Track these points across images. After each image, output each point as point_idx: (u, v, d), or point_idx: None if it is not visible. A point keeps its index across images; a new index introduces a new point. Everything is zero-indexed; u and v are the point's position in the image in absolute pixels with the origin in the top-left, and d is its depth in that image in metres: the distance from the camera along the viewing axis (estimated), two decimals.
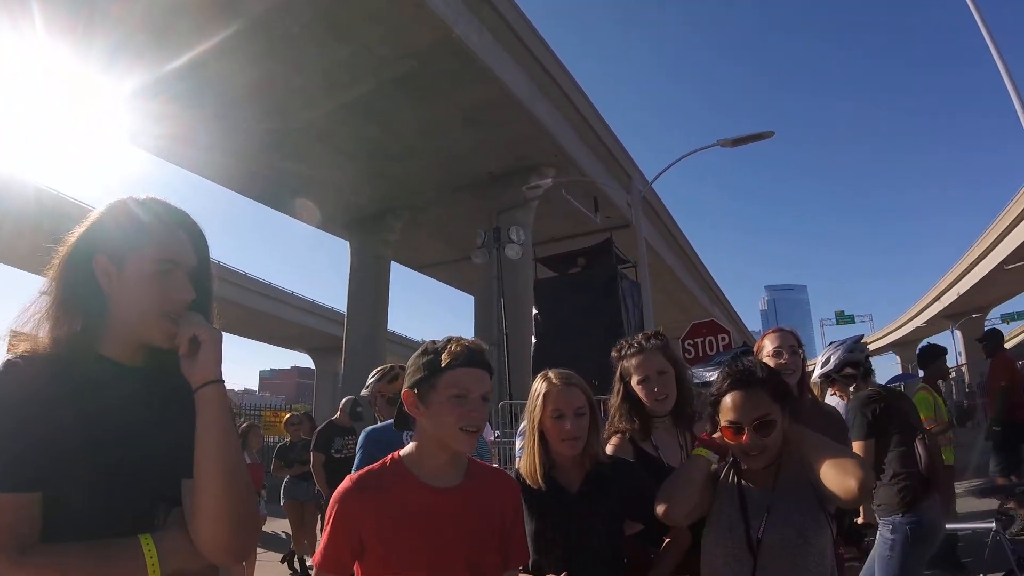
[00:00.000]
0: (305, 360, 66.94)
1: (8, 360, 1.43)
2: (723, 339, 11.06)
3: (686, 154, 17.25)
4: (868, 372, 4.73)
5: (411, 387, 2.01)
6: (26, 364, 1.42)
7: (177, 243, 1.59)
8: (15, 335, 1.54)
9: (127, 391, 1.48)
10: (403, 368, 2.28)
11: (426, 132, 22.29)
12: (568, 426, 2.49)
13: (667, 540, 2.62)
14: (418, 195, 27.16)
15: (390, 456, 2.07)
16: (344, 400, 8.68)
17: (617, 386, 3.11)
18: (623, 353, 3.13)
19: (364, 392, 5.22)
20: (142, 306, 1.52)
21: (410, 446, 2.07)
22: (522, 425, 6.32)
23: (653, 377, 2.98)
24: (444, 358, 1.97)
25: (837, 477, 2.08)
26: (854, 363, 4.65)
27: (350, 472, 2.11)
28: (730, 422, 2.26)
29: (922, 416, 6.63)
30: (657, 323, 16.32)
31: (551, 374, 2.64)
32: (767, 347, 3.59)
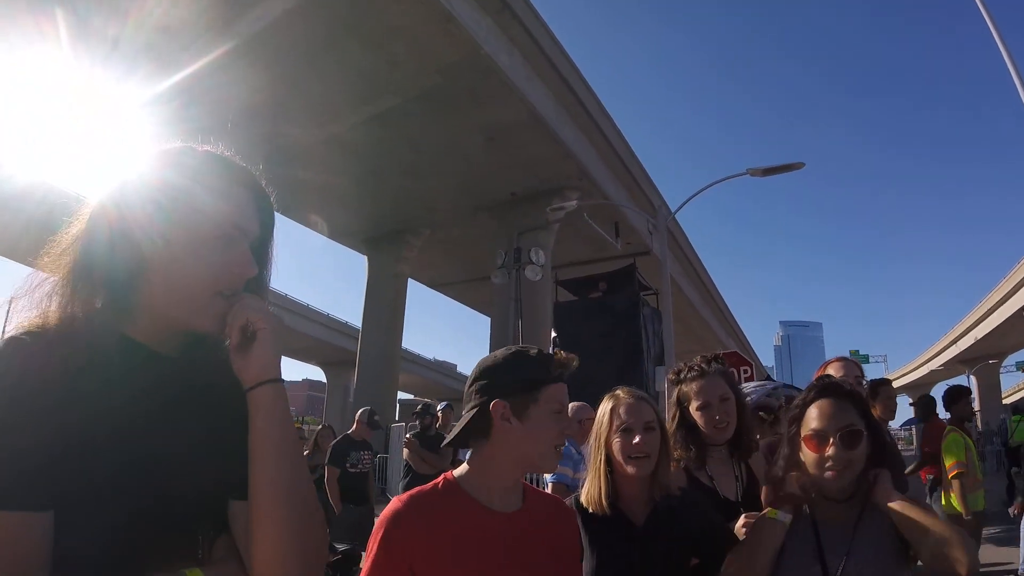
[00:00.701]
0: (317, 373, 67.10)
1: (12, 336, 1.10)
2: (746, 371, 10.87)
3: (715, 182, 17.08)
4: (777, 421, 4.58)
5: (504, 396, 1.76)
6: (33, 342, 1.09)
7: (243, 205, 1.27)
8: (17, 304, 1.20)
9: (165, 386, 1.17)
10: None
11: (449, 150, 22.32)
12: (637, 440, 2.28)
13: None
14: (438, 213, 27.22)
15: (442, 477, 1.84)
16: (360, 411, 8.47)
17: (673, 411, 2.91)
18: (682, 376, 2.94)
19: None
20: (195, 280, 1.19)
21: (464, 467, 1.84)
22: None
23: (715, 403, 2.79)
24: (554, 368, 1.79)
25: (939, 551, 1.89)
26: (767, 408, 4.56)
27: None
28: (814, 431, 2.07)
29: (950, 461, 6.50)
30: (676, 353, 16.10)
31: (619, 390, 2.47)
32: (832, 374, 3.40)
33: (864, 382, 3.42)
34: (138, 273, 1.19)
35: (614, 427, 2.35)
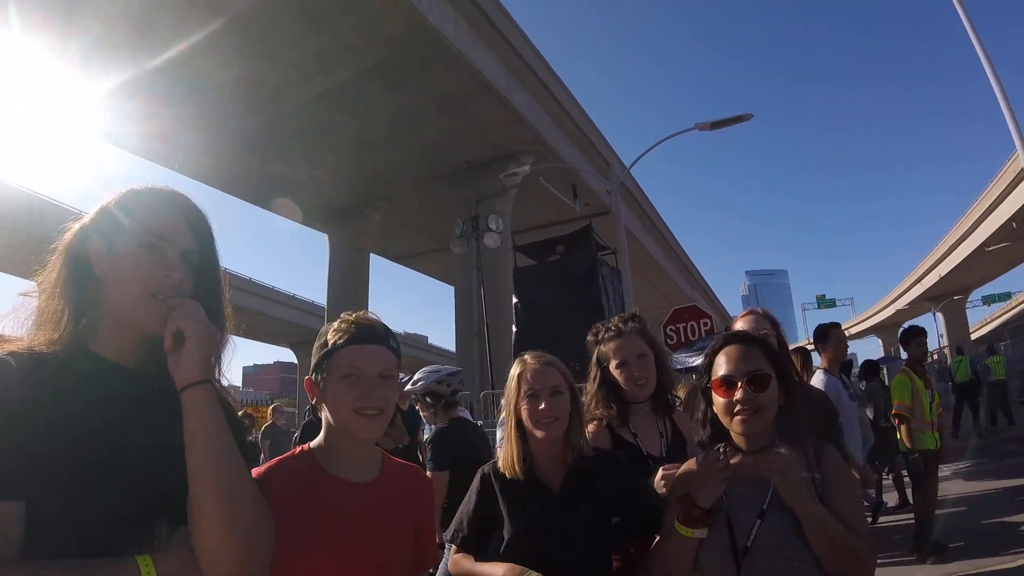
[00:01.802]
0: (287, 355, 66.75)
1: None
2: (705, 324, 10.96)
3: (663, 139, 17.20)
4: (450, 405, 4.81)
5: (311, 372, 1.84)
6: (13, 361, 1.26)
7: (167, 220, 1.44)
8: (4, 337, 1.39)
9: (121, 391, 1.34)
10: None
11: (401, 122, 22.17)
12: (542, 406, 2.29)
13: (657, 539, 2.31)
14: (395, 186, 27.11)
15: (299, 448, 1.88)
16: None
17: (594, 371, 2.95)
18: (600, 337, 2.99)
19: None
20: (129, 284, 1.37)
21: (319, 438, 1.87)
22: (502, 415, 6.25)
23: (632, 361, 2.84)
24: (330, 337, 1.81)
25: (844, 561, 1.91)
26: (436, 394, 4.78)
27: None
28: (722, 377, 2.09)
29: (894, 400, 6.74)
30: (638, 309, 16.22)
31: (526, 355, 2.47)
32: (741, 329, 3.46)
33: (775, 330, 3.48)
34: (96, 290, 1.39)
35: (521, 392, 2.36)
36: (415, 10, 16.92)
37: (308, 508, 1.70)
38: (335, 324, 1.84)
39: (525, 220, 27.45)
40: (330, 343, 1.80)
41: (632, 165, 18.48)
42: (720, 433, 2.16)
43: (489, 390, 14.74)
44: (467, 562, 2.30)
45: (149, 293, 1.37)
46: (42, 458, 1.18)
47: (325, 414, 1.81)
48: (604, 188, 20.62)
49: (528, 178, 20.76)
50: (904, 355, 7.30)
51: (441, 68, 19.38)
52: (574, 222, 22.54)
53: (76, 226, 1.45)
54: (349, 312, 1.89)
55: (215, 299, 1.52)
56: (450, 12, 18.32)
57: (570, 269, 16.49)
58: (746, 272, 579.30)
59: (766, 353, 2.14)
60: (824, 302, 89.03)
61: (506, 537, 2.28)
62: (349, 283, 29.62)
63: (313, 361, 1.84)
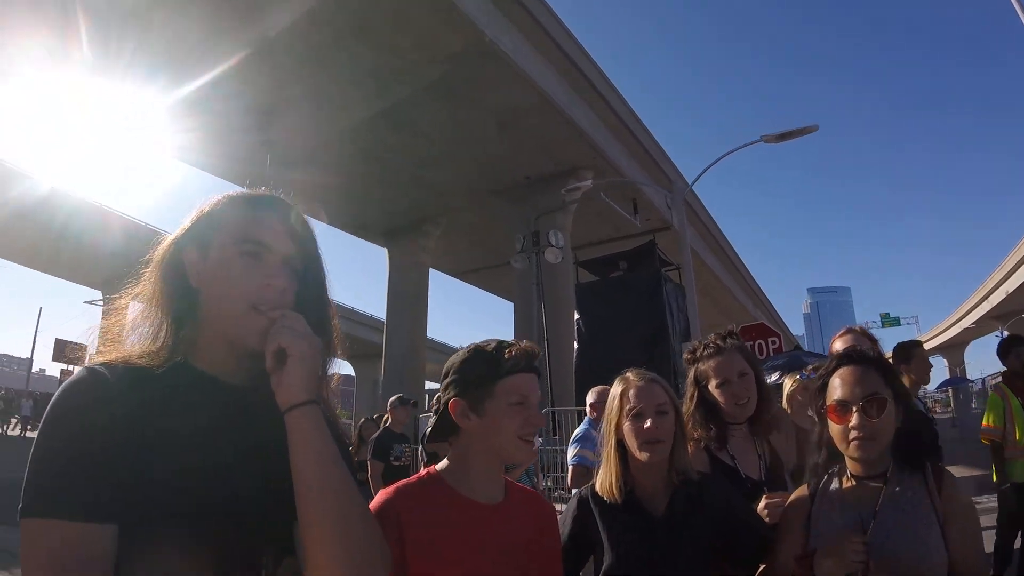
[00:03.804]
0: (345, 368, 67.51)
1: (87, 367, 1.20)
2: (773, 342, 10.79)
3: (728, 152, 16.90)
4: None
5: (460, 395, 1.81)
6: (108, 372, 1.19)
7: (266, 224, 1.34)
8: (103, 343, 1.34)
9: (222, 409, 1.25)
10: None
11: (460, 138, 22.27)
12: (648, 425, 2.20)
13: (761, 568, 2.27)
14: (455, 201, 27.21)
15: (425, 471, 1.90)
16: (390, 400, 8.32)
17: (691, 391, 2.81)
18: (698, 355, 2.85)
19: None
20: (227, 296, 1.28)
21: (444, 461, 1.89)
22: (576, 430, 6.13)
23: (734, 380, 2.71)
24: (505, 362, 1.79)
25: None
26: None
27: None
28: (837, 401, 1.99)
29: (984, 422, 6.02)
30: (702, 327, 15.97)
31: (629, 373, 2.37)
32: (839, 349, 3.30)
33: (875, 350, 3.30)
34: (194, 304, 1.31)
35: (624, 412, 2.28)
36: (472, 26, 16.96)
37: (442, 531, 1.69)
38: (490, 350, 1.83)
39: (584, 236, 27.32)
40: (504, 368, 1.77)
41: (696, 180, 18.23)
42: (835, 455, 2.06)
43: (549, 408, 14.59)
44: None
45: (250, 305, 1.27)
46: (136, 479, 1.10)
47: (472, 434, 1.81)
48: (665, 203, 20.37)
49: (587, 194, 20.63)
50: (985, 374, 6.76)
51: (500, 83, 19.37)
52: (634, 238, 22.35)
53: (171, 236, 1.37)
54: (508, 341, 1.88)
55: (320, 309, 1.42)
56: (508, 27, 18.31)
57: (633, 285, 16.27)
58: (808, 289, 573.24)
59: (882, 373, 2.02)
60: (888, 320, 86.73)
61: (605, 563, 2.20)
62: (409, 297, 29.82)
63: (469, 383, 1.81)
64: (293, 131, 20.96)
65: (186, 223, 1.37)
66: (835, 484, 2.07)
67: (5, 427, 31.16)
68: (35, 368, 61.61)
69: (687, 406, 2.78)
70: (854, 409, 1.95)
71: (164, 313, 1.31)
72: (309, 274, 1.40)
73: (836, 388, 2.01)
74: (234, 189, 1.44)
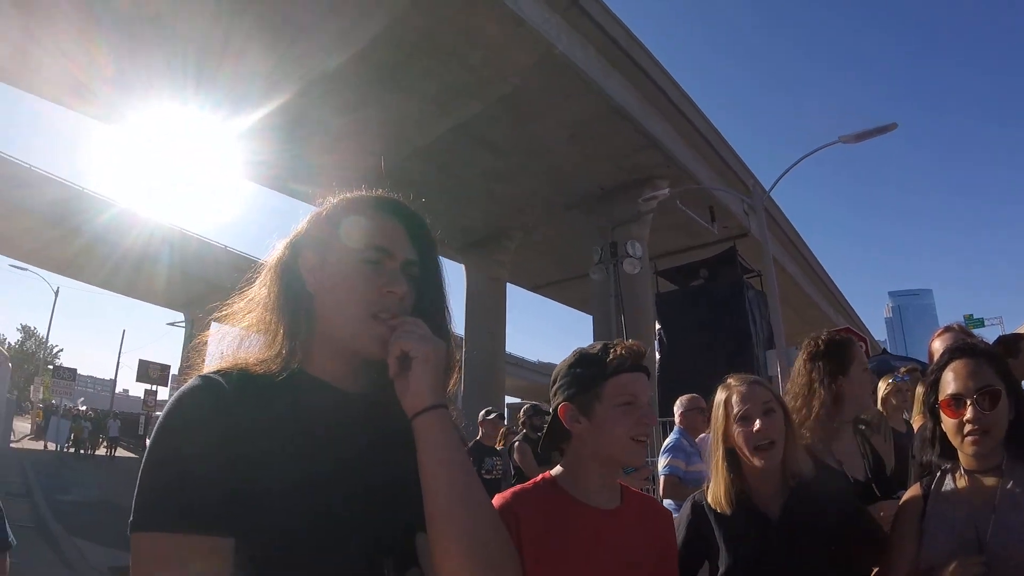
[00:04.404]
0: None
1: (202, 375, 1.18)
2: (860, 347, 10.43)
3: (808, 153, 16.59)
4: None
5: (569, 399, 1.80)
6: (223, 379, 1.16)
7: (388, 230, 1.32)
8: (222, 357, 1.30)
9: (342, 417, 1.22)
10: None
11: (534, 150, 22.33)
12: (758, 426, 2.16)
13: (875, 571, 2.21)
14: (529, 215, 27.30)
15: (540, 476, 1.88)
16: (482, 413, 8.30)
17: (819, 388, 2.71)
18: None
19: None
20: (347, 303, 1.25)
21: (558, 467, 1.88)
22: (667, 440, 6.06)
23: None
24: (610, 363, 1.76)
25: None
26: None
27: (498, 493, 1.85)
28: (950, 395, 1.94)
29: None
30: (786, 335, 15.66)
31: (730, 378, 2.36)
32: (938, 349, 3.20)
33: None
34: (310, 310, 1.28)
35: (731, 417, 2.25)
36: (543, 39, 17.01)
37: (559, 536, 1.68)
38: (612, 349, 1.79)
39: (661, 246, 27.07)
40: (610, 368, 1.75)
41: (774, 185, 17.92)
42: (948, 453, 2.01)
43: None
44: None
45: (370, 313, 1.23)
46: (253, 489, 1.07)
47: (583, 439, 1.79)
48: (742, 210, 20.09)
49: (663, 203, 20.49)
50: None
51: (572, 95, 19.36)
52: (711, 246, 22.11)
53: (286, 240, 1.35)
54: (616, 340, 1.84)
55: (439, 316, 1.38)
56: (578, 39, 18.31)
57: (715, 293, 16.14)
58: (889, 293, 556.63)
59: (994, 366, 1.97)
60: (972, 322, 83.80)
61: (721, 568, 2.17)
62: (486, 312, 29.96)
63: (576, 386, 1.79)
64: (364, 151, 21.31)
65: (302, 225, 1.35)
66: (948, 482, 2.02)
67: (94, 448, 31.94)
68: (118, 389, 64.29)
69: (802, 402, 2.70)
70: (968, 402, 1.92)
71: (279, 319, 1.27)
72: (428, 279, 1.38)
73: (949, 382, 1.98)
74: (352, 192, 1.41)
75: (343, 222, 1.30)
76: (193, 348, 1.46)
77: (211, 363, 1.28)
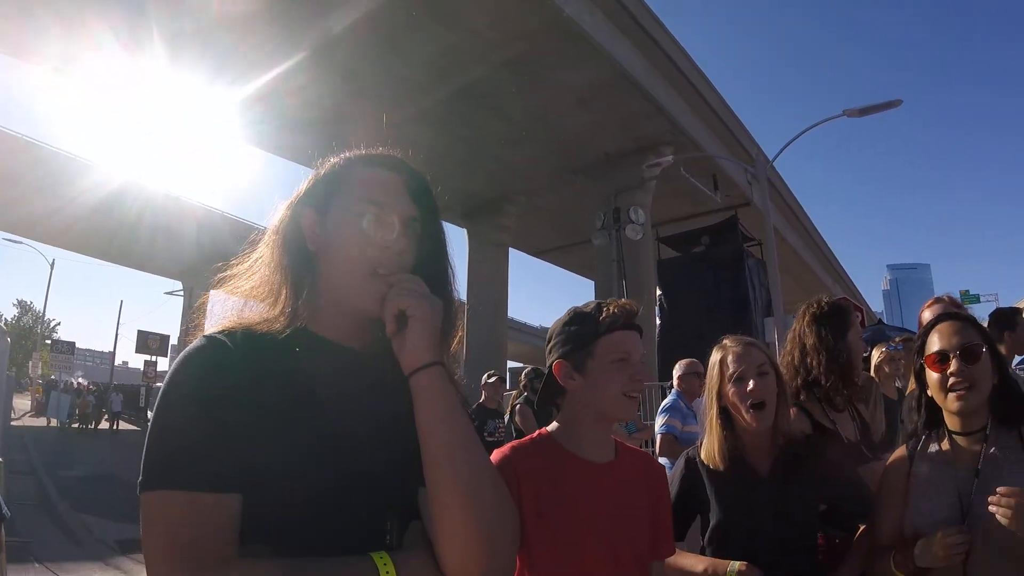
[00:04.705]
0: None
1: (206, 335, 1.19)
2: (857, 317, 10.56)
3: (812, 125, 16.61)
4: None
5: (563, 356, 1.86)
6: (228, 339, 1.18)
7: (386, 184, 1.32)
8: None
9: (346, 375, 1.24)
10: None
11: (539, 116, 22.21)
12: (751, 386, 2.25)
13: (862, 528, 2.34)
14: (533, 180, 27.17)
15: (537, 432, 1.94)
16: (484, 376, 8.43)
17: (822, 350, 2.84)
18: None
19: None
20: (347, 260, 1.26)
21: (555, 423, 1.95)
22: (664, 401, 6.20)
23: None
24: (603, 321, 1.83)
25: None
26: None
27: None
28: (937, 352, 2.04)
29: None
30: (784, 303, 15.74)
31: (726, 339, 2.44)
32: (927, 319, 3.32)
33: None
34: (313, 268, 1.29)
35: (726, 377, 2.32)
36: (550, 2, 16.85)
37: (556, 489, 1.75)
38: (604, 308, 1.86)
39: (663, 213, 26.95)
40: (602, 326, 1.81)
41: (777, 156, 17.93)
42: (934, 418, 2.10)
43: None
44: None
45: (370, 269, 1.25)
46: (265, 447, 1.09)
47: (577, 395, 1.85)
48: (745, 179, 20.07)
49: (666, 170, 20.46)
50: None
51: (579, 60, 19.23)
52: (713, 214, 22.11)
53: (288, 201, 1.35)
54: (610, 299, 1.91)
55: (441, 274, 1.38)
56: (586, 4, 18.15)
57: (716, 261, 16.21)
58: (887, 266, 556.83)
59: (978, 329, 2.08)
60: (968, 297, 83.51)
61: (712, 521, 2.26)
62: (489, 277, 29.99)
63: (570, 344, 1.86)
64: (367, 114, 21.19)
65: (304, 185, 1.36)
66: (933, 444, 2.10)
67: (96, 423, 31.37)
68: (118, 361, 62.94)
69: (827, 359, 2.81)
70: (952, 357, 2.00)
71: (283, 278, 1.28)
72: (429, 236, 1.38)
73: (935, 342, 2.07)
74: (352, 150, 1.40)
75: (342, 179, 1.33)
76: (197, 309, 1.47)
77: (215, 324, 1.29)
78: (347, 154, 1.39)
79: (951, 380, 1.99)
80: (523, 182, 27.38)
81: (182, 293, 43.69)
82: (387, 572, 1.10)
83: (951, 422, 2.05)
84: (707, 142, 24.80)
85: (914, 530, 2.01)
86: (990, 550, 1.85)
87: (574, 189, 26.85)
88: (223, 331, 1.21)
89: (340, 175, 1.34)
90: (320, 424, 1.16)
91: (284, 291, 1.27)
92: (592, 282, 29.66)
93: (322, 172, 1.36)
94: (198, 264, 37.51)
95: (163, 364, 36.59)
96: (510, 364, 38.76)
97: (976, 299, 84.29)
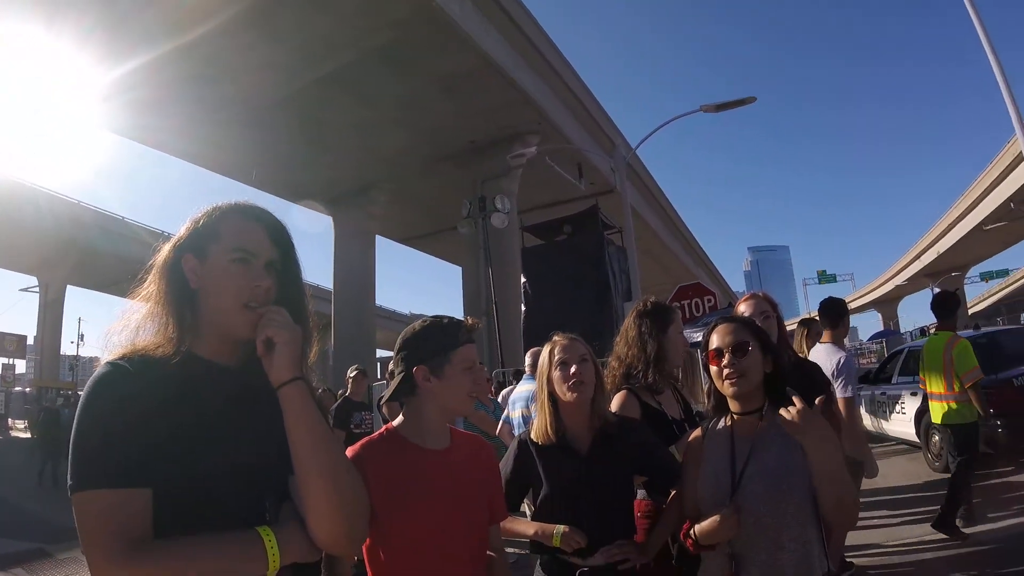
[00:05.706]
0: None
1: (110, 362, 1.45)
2: (709, 301, 11.17)
3: (668, 120, 17.27)
4: None
5: (422, 362, 2.14)
6: (129, 365, 1.44)
7: (252, 234, 1.60)
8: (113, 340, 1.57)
9: (225, 388, 1.52)
10: None
11: (407, 104, 22.31)
12: (573, 369, 2.60)
13: (673, 493, 2.71)
14: (401, 168, 27.21)
15: (384, 428, 2.23)
16: (349, 370, 8.60)
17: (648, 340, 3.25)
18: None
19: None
20: (223, 297, 1.53)
21: (400, 418, 2.22)
22: (509, 390, 6.50)
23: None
24: (461, 335, 2.16)
25: (830, 494, 2.22)
26: None
27: None
28: (713, 349, 2.43)
29: (969, 368, 6.18)
30: (645, 286, 16.39)
31: (556, 335, 2.80)
32: (743, 311, 3.77)
33: (774, 313, 3.73)
34: (193, 301, 1.56)
35: (553, 363, 2.69)
36: None
37: (400, 475, 2.03)
38: (445, 324, 2.20)
39: (530, 200, 27.67)
40: (461, 340, 2.15)
41: (638, 146, 18.59)
42: (722, 403, 2.47)
43: (500, 368, 14.91)
44: (506, 521, 2.53)
45: (242, 304, 1.52)
46: (166, 449, 1.36)
47: (430, 395, 2.14)
48: (609, 167, 20.70)
49: (533, 159, 20.88)
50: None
51: (447, 49, 19.47)
52: (579, 201, 22.63)
53: (168, 244, 1.61)
54: (451, 317, 2.26)
55: (299, 303, 1.67)
56: None
57: (578, 249, 16.62)
58: (748, 248, 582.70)
59: (750, 329, 2.46)
60: (825, 277, 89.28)
61: (541, 494, 2.60)
62: (356, 265, 29.92)
63: (430, 351, 2.15)
64: (233, 99, 20.73)
65: (183, 231, 1.62)
66: (721, 424, 2.50)
67: None
68: None
69: (629, 351, 3.28)
70: (725, 353, 2.39)
71: (168, 311, 1.54)
72: (288, 273, 1.66)
73: (713, 340, 2.45)
74: (223, 200, 1.68)
75: (217, 229, 1.58)
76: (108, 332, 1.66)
77: (112, 348, 1.54)
78: (219, 206, 1.65)
79: (725, 371, 2.37)
80: (390, 169, 27.39)
81: (38, 289, 41.14)
82: (269, 540, 1.41)
83: (732, 405, 2.43)
84: (572, 130, 25.42)
85: (696, 512, 2.40)
86: (747, 522, 2.24)
87: (442, 177, 27.10)
88: (122, 357, 1.47)
89: (214, 226, 1.59)
90: (207, 431, 1.43)
91: (170, 322, 1.54)
92: (460, 268, 29.82)
93: (200, 222, 1.61)
94: (55, 258, 35.89)
95: (21, 366, 33.77)
96: (380, 352, 38.55)
97: (833, 279, 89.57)
